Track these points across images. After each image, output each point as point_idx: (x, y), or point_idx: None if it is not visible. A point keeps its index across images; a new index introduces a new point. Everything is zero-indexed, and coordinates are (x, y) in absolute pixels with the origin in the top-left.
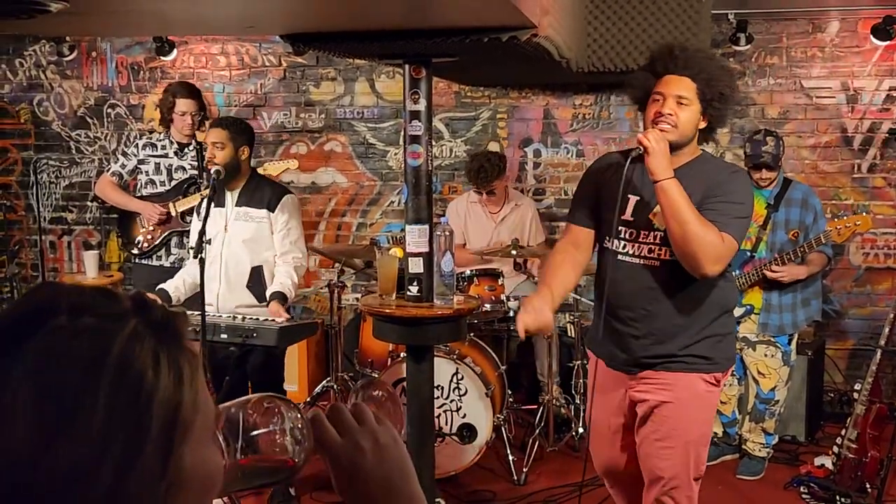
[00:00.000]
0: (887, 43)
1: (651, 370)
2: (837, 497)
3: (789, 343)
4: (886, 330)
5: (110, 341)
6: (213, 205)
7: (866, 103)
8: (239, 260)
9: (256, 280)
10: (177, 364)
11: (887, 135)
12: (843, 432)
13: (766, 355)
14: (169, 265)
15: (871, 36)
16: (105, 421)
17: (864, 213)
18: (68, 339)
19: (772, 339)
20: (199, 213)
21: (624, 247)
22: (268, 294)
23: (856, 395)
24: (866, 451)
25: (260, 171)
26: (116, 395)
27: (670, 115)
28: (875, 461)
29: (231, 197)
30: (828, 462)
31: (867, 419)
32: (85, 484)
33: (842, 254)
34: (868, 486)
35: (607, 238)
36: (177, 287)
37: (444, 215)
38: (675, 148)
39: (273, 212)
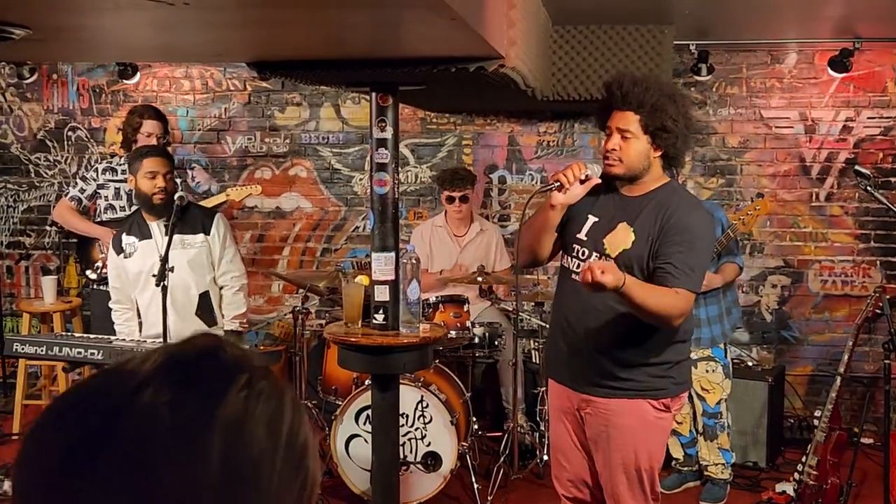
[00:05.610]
0: (843, 75)
1: (600, 396)
2: None
3: (725, 356)
4: (845, 357)
5: (283, 408)
6: (175, 232)
7: (824, 133)
8: (186, 287)
9: (205, 306)
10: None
11: (844, 164)
12: (803, 459)
13: (707, 371)
14: None
15: (828, 68)
16: (278, 483)
17: (761, 199)
18: (253, 404)
19: (710, 355)
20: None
21: (578, 266)
22: (224, 329)
23: (816, 422)
24: (827, 477)
25: (222, 196)
26: (287, 458)
27: (615, 150)
28: (835, 488)
29: (157, 227)
30: (789, 489)
31: (827, 446)
32: None
33: (801, 281)
34: None
35: (564, 255)
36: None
37: (409, 242)
38: (634, 178)
39: (209, 234)
